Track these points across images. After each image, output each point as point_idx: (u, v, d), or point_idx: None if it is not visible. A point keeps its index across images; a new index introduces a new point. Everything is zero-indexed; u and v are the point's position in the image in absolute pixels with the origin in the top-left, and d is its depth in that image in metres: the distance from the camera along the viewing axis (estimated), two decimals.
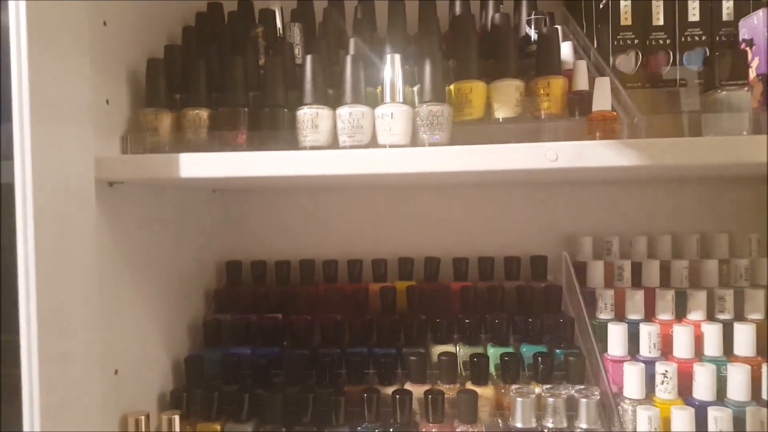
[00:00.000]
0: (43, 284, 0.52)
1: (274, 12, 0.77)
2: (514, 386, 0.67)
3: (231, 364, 0.74)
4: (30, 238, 0.51)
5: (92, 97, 0.60)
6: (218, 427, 0.69)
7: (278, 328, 0.79)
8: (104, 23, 0.64)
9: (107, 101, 0.64)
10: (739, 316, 0.73)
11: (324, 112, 0.64)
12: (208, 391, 0.70)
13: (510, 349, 0.74)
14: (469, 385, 0.69)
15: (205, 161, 0.61)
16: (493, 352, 0.74)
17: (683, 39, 0.69)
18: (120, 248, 0.66)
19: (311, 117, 0.64)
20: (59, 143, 0.55)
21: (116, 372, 0.64)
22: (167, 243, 0.78)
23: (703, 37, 0.69)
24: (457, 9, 0.76)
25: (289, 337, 0.79)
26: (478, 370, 0.70)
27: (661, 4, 0.69)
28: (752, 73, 0.65)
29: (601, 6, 0.71)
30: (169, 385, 0.77)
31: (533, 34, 0.71)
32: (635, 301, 0.74)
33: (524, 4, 0.74)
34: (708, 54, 0.68)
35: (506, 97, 0.65)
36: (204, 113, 0.66)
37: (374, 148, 0.62)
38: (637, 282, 0.79)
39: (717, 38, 0.69)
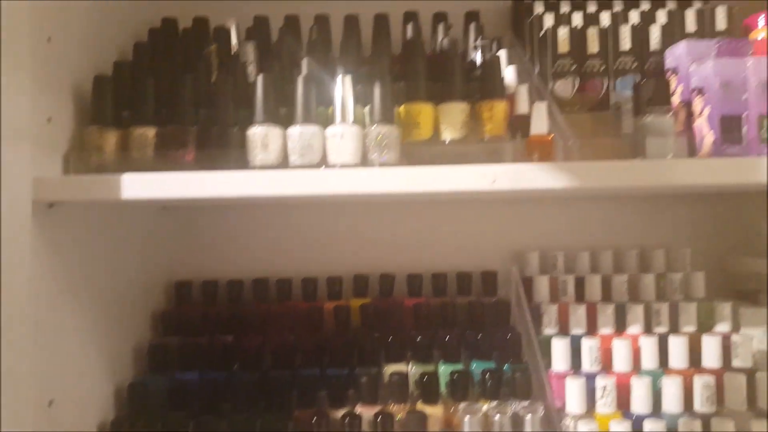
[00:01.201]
0: None
1: (228, 30, 0.78)
2: (462, 404, 0.68)
3: (177, 390, 0.72)
4: None
5: (32, 116, 0.58)
6: None
7: (228, 350, 0.78)
8: (48, 39, 0.62)
9: (49, 119, 0.62)
10: (674, 329, 0.77)
11: (274, 132, 0.64)
12: (151, 419, 0.67)
13: (460, 366, 0.75)
14: (420, 404, 0.70)
15: (149, 182, 0.60)
16: (444, 370, 0.74)
17: (616, 66, 0.73)
18: (59, 271, 0.63)
19: (261, 136, 0.64)
20: None
21: (51, 403, 0.61)
22: (112, 263, 0.75)
23: (635, 65, 0.74)
24: (409, 32, 0.79)
25: (239, 359, 0.77)
26: (428, 389, 0.70)
27: (596, 32, 0.74)
28: (677, 100, 0.70)
29: (541, 34, 0.75)
30: (110, 413, 0.73)
31: (479, 59, 0.74)
32: (578, 315, 0.77)
33: (472, 29, 0.78)
34: (638, 80, 0.73)
35: (453, 119, 0.67)
36: (150, 132, 0.66)
37: (325, 167, 0.63)
38: (580, 296, 0.82)
39: (647, 66, 0.74)
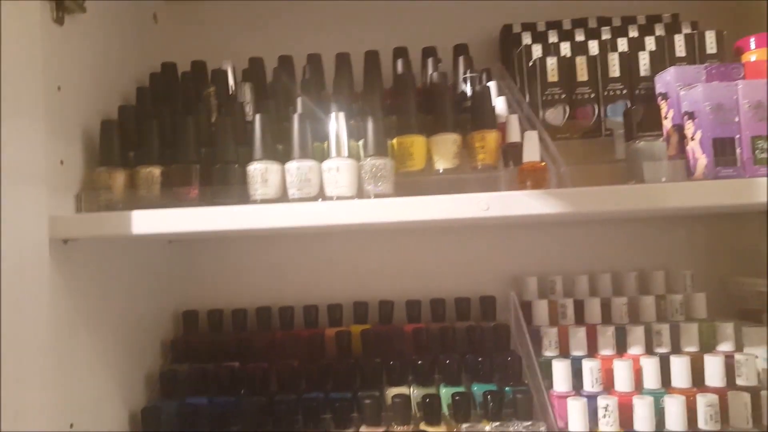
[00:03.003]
0: None
1: (226, 72, 0.81)
2: (465, 425, 0.69)
3: (188, 414, 0.75)
4: None
5: (46, 159, 0.62)
6: None
7: (235, 376, 0.80)
8: (59, 88, 0.66)
9: (61, 162, 0.66)
10: (676, 349, 0.77)
11: (273, 167, 0.67)
12: None
13: (461, 389, 0.76)
14: (422, 426, 0.71)
15: (156, 217, 0.63)
16: (445, 392, 0.76)
17: (606, 93, 0.74)
18: (75, 303, 0.67)
19: (261, 172, 0.67)
20: (13, 204, 0.57)
21: (71, 426, 0.64)
22: (123, 295, 0.79)
23: (624, 91, 0.74)
24: (400, 67, 0.81)
25: (246, 385, 0.80)
26: (430, 411, 0.72)
27: (584, 60, 0.75)
28: (668, 124, 0.70)
29: (530, 64, 0.76)
30: None
31: (469, 91, 0.76)
32: (578, 338, 0.77)
33: (461, 61, 0.80)
34: (629, 106, 0.74)
35: (445, 150, 0.69)
36: (156, 170, 0.69)
37: (322, 199, 0.66)
38: (579, 319, 0.82)
39: (636, 92, 0.74)
